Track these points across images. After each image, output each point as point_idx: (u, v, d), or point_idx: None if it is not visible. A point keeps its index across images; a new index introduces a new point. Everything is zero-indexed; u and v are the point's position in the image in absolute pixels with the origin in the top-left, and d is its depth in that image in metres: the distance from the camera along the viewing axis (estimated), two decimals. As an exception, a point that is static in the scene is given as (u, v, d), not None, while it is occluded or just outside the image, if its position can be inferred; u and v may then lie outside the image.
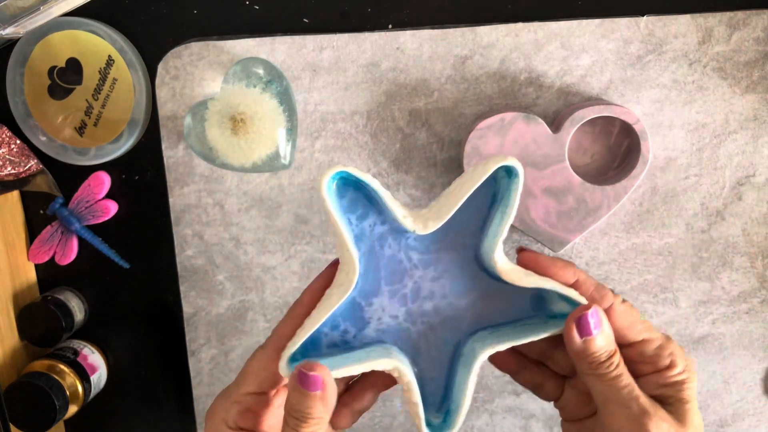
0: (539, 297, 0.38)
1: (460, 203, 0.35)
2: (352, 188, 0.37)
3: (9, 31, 0.53)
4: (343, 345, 0.38)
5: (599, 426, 0.37)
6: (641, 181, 0.53)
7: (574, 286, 0.37)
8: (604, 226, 0.55)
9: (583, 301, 0.36)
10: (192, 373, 0.59)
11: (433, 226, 0.35)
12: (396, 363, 0.35)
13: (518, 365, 0.41)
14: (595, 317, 0.35)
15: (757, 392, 0.58)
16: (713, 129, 0.54)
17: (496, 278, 0.37)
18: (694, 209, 0.55)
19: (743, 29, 0.52)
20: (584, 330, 0.35)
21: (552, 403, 0.42)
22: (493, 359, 0.40)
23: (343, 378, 0.38)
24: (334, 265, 0.38)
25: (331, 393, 0.35)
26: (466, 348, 0.38)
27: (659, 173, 0.54)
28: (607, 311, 0.37)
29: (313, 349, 0.37)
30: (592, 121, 0.52)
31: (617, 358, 0.36)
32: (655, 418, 0.34)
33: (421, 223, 0.35)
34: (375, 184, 0.35)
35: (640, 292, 0.57)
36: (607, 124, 0.53)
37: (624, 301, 0.37)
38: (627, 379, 0.36)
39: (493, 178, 0.36)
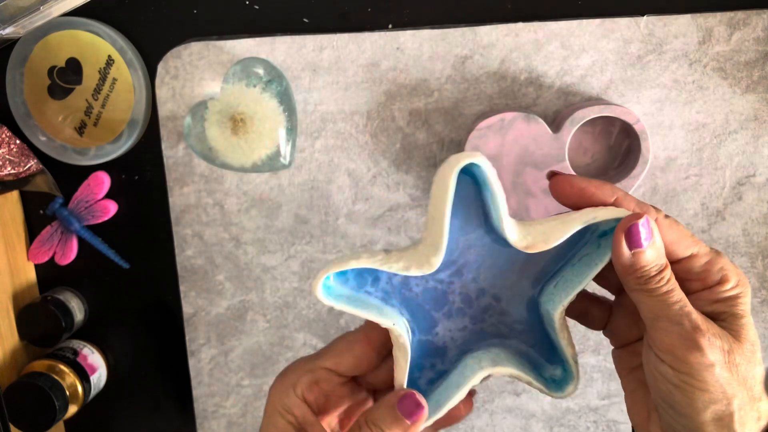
0: (581, 231, 0.36)
1: (446, 226, 0.33)
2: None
3: (9, 31, 0.53)
4: (439, 375, 0.38)
5: (648, 347, 0.35)
6: (641, 181, 0.53)
7: (614, 205, 0.35)
8: (604, 226, 0.55)
9: (620, 213, 0.34)
10: (192, 373, 0.59)
11: (437, 261, 0.34)
12: (490, 369, 0.35)
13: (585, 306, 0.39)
14: (646, 227, 0.33)
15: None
16: (713, 129, 0.54)
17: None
18: (694, 209, 0.55)
19: (743, 29, 0.52)
20: (634, 242, 0.33)
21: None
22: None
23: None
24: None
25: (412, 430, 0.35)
26: (542, 309, 0.37)
27: (659, 173, 0.54)
28: None
29: (416, 388, 0.37)
30: (592, 121, 0.52)
31: (668, 272, 0.34)
32: (708, 335, 0.32)
33: (425, 260, 0.34)
34: (362, 263, 0.34)
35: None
36: (607, 124, 0.53)
37: (668, 216, 0.35)
38: (678, 294, 0.34)
39: (462, 174, 0.35)
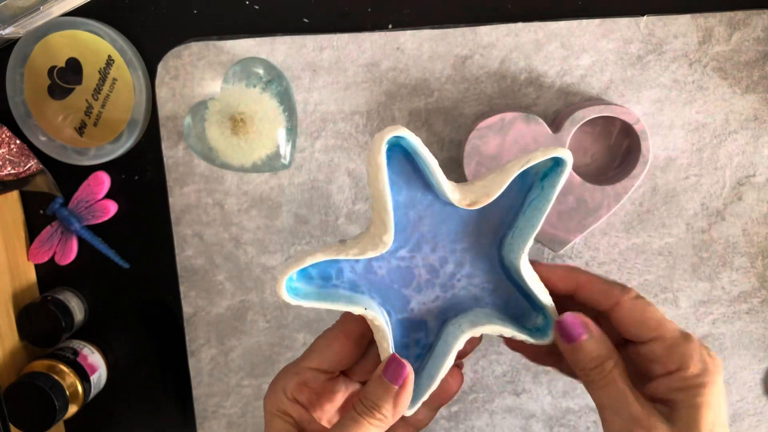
0: (524, 172, 0.37)
1: (389, 205, 0.35)
2: (313, 267, 0.38)
3: (9, 31, 0.53)
4: (425, 349, 0.39)
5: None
6: (641, 181, 0.53)
7: (581, 287, 0.37)
8: (604, 226, 0.55)
9: (557, 152, 0.35)
10: (192, 373, 0.59)
11: (389, 238, 0.35)
12: (469, 333, 0.36)
13: (558, 358, 0.40)
14: (578, 321, 0.35)
15: (757, 392, 0.58)
16: (713, 129, 0.54)
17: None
18: (694, 209, 0.55)
19: (743, 29, 0.52)
20: (568, 337, 0.35)
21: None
22: (514, 347, 0.41)
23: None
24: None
25: (406, 398, 0.36)
26: (506, 262, 0.39)
27: (659, 173, 0.54)
28: (615, 308, 0.36)
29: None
30: (592, 121, 0.52)
31: (610, 364, 0.34)
32: (647, 428, 0.33)
33: (378, 240, 0.35)
34: (317, 258, 0.35)
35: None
36: (607, 124, 0.53)
37: (638, 296, 0.36)
38: (620, 386, 0.34)
39: (395, 150, 0.37)
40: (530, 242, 0.37)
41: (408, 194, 0.38)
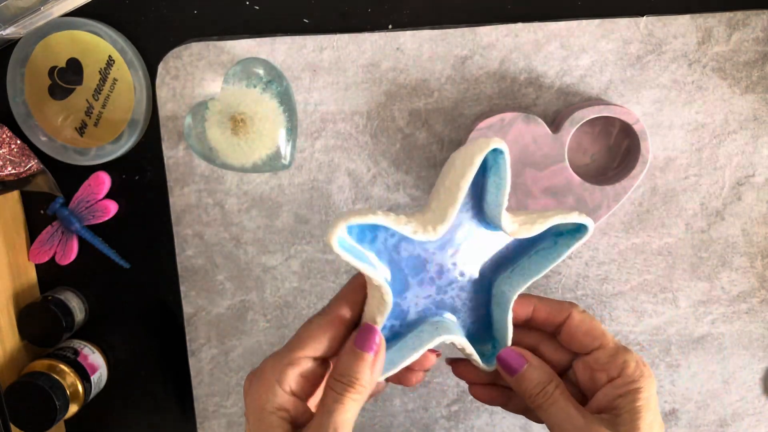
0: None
1: (460, 202, 0.36)
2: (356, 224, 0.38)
3: (9, 31, 0.53)
4: (393, 338, 0.40)
5: None
6: (641, 181, 0.53)
7: (534, 312, 0.41)
8: (603, 226, 0.55)
9: (584, 219, 0.38)
10: (192, 373, 0.59)
11: (442, 230, 0.36)
12: (445, 337, 0.38)
13: (504, 396, 0.43)
14: (514, 356, 0.39)
15: (756, 392, 0.58)
16: (713, 129, 0.54)
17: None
18: (694, 209, 0.55)
19: (743, 29, 0.52)
20: (510, 370, 0.39)
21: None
22: (479, 396, 0.43)
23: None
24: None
25: (380, 363, 0.37)
26: (495, 290, 0.41)
27: (659, 173, 0.55)
28: (567, 321, 0.40)
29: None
30: (592, 121, 0.52)
31: (552, 386, 0.38)
32: None
33: (431, 229, 0.36)
34: (378, 219, 0.36)
35: (639, 292, 0.57)
36: (606, 124, 0.53)
37: (583, 311, 0.40)
38: (562, 404, 0.38)
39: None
40: (529, 284, 0.40)
41: (464, 201, 0.39)
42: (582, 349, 0.40)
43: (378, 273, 0.37)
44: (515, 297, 0.40)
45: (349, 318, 0.39)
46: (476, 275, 0.41)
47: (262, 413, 0.37)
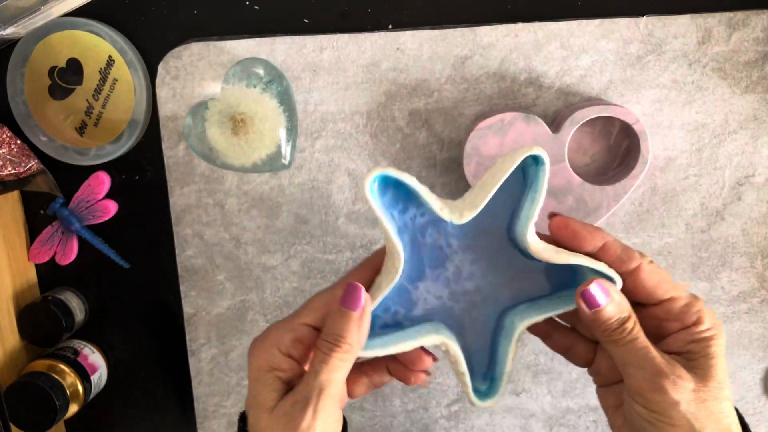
0: (572, 270, 0.40)
1: (492, 193, 0.37)
2: (392, 186, 0.39)
3: (9, 31, 0.53)
4: (394, 325, 0.40)
5: (624, 388, 0.39)
6: (641, 181, 0.53)
7: (601, 249, 0.39)
8: (604, 226, 0.55)
9: (611, 273, 0.37)
10: (192, 373, 0.59)
11: (468, 216, 0.37)
12: (443, 338, 0.38)
13: (549, 328, 0.43)
14: (601, 288, 0.37)
15: (756, 392, 0.58)
16: (713, 129, 0.54)
17: (530, 257, 0.39)
18: (694, 209, 0.55)
19: (743, 29, 0.52)
20: (591, 303, 0.37)
21: (585, 370, 0.43)
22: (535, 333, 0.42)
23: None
24: (382, 251, 0.40)
25: (367, 321, 0.37)
26: (506, 321, 0.40)
27: (659, 173, 0.55)
28: (635, 272, 0.38)
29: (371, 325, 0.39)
30: (592, 121, 0.52)
31: (631, 323, 0.37)
32: (673, 377, 0.36)
33: (458, 213, 0.37)
34: (412, 181, 0.37)
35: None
36: (606, 124, 0.53)
37: (651, 261, 0.39)
38: (642, 342, 0.37)
39: (522, 167, 0.38)
40: (540, 319, 0.39)
41: (498, 210, 0.39)
42: (650, 299, 0.39)
43: (399, 239, 0.37)
44: (522, 328, 0.39)
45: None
46: (491, 298, 0.41)
47: (259, 372, 0.39)
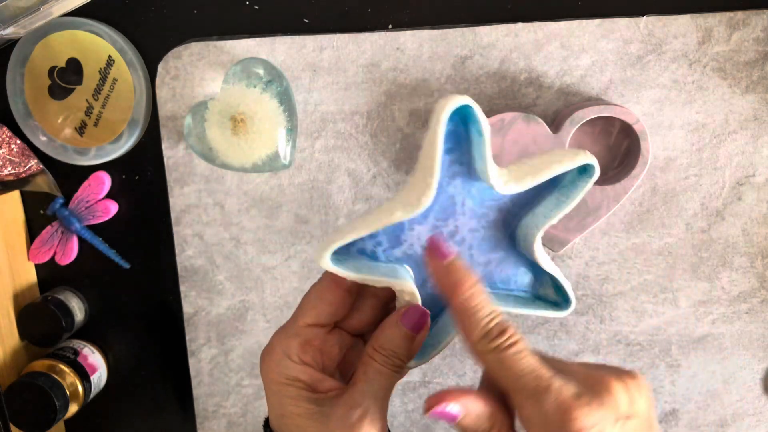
0: (538, 278, 0.39)
1: (543, 179, 0.35)
2: (452, 122, 0.36)
3: (9, 31, 0.53)
4: (370, 255, 0.39)
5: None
6: (641, 181, 0.53)
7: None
8: (604, 226, 0.55)
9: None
10: (192, 373, 0.59)
11: (511, 189, 0.35)
12: (413, 288, 0.37)
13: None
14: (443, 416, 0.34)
15: (756, 392, 0.58)
16: (713, 129, 0.54)
17: (519, 251, 0.38)
18: (694, 209, 0.55)
19: (743, 29, 0.52)
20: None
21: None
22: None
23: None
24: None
25: (419, 341, 0.36)
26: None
27: (659, 173, 0.54)
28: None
29: (342, 247, 0.37)
30: (592, 121, 0.52)
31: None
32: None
33: (502, 180, 0.35)
34: (486, 128, 0.34)
35: (639, 292, 0.57)
36: (607, 124, 0.53)
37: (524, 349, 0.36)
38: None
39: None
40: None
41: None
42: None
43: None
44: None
45: (348, 281, 0.38)
46: (492, 215, 0.39)
47: (278, 386, 0.37)
